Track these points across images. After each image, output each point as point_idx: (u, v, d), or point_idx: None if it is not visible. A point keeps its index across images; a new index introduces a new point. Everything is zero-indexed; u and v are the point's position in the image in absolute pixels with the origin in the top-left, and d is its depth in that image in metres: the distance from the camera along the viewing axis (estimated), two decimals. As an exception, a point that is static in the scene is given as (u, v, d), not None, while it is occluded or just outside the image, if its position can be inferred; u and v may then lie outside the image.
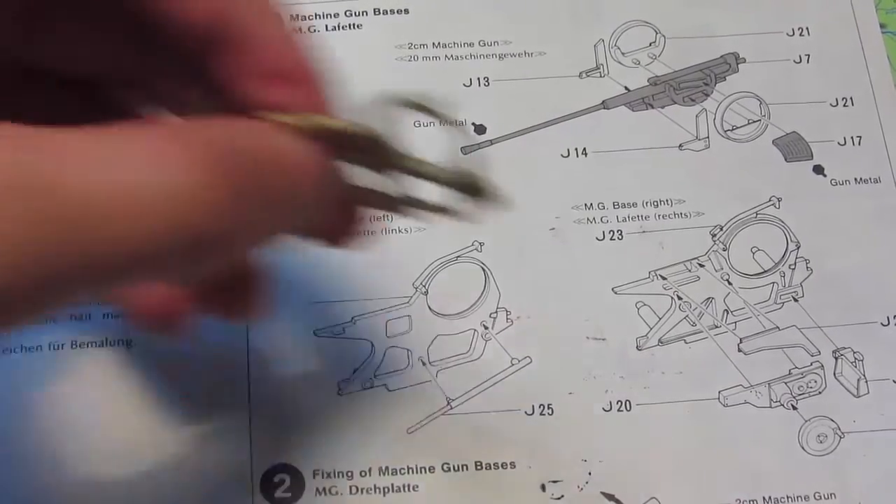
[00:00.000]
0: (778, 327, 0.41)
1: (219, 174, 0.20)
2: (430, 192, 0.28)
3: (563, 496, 0.38)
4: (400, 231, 0.41)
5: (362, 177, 0.27)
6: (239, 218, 0.21)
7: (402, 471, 0.38)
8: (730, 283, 0.42)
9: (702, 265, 0.42)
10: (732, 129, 0.44)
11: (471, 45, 0.45)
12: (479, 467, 0.38)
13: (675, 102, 0.44)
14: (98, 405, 0.38)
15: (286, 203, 0.24)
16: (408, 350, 0.40)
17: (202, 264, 0.21)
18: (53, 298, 0.18)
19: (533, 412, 0.39)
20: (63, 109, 0.28)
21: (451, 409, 0.39)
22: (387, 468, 0.38)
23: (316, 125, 0.25)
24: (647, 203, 0.43)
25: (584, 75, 0.45)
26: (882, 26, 0.46)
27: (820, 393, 0.40)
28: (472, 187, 0.28)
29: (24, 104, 0.27)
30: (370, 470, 0.38)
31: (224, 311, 0.30)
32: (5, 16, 0.26)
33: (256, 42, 0.25)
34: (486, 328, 0.40)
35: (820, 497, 0.38)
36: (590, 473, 0.38)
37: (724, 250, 0.42)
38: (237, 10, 0.25)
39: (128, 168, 0.19)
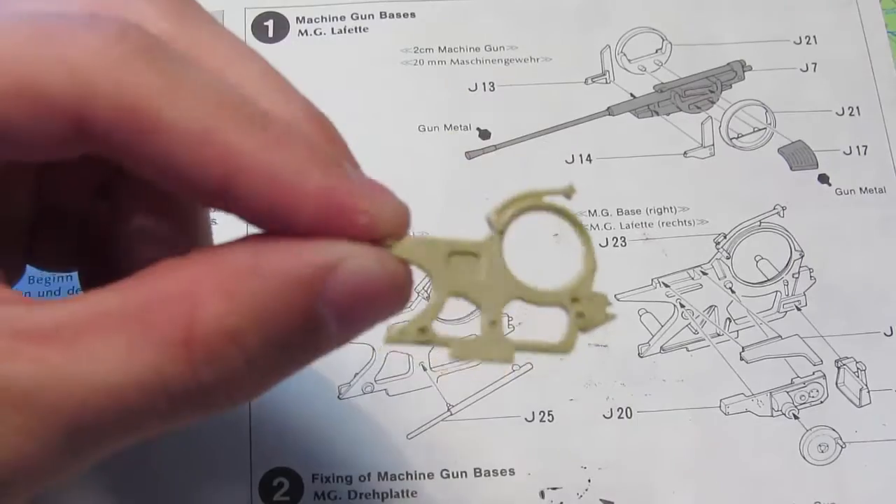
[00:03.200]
0: (780, 336, 0.41)
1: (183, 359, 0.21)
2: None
3: (562, 503, 0.38)
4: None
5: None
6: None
7: (402, 476, 0.38)
8: (733, 292, 0.41)
9: (705, 273, 0.42)
10: (738, 137, 0.44)
11: (477, 49, 0.45)
12: (478, 474, 0.38)
13: (681, 110, 0.44)
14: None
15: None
16: (408, 355, 0.40)
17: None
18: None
19: (533, 419, 0.39)
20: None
21: (452, 414, 0.39)
22: (386, 473, 0.38)
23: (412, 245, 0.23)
24: (650, 210, 0.42)
25: (589, 81, 0.45)
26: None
27: (822, 402, 0.40)
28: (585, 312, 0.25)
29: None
30: (369, 475, 0.38)
31: None
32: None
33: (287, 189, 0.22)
34: (487, 333, 0.40)
35: (820, 507, 0.38)
36: (589, 481, 0.38)
37: (728, 258, 0.42)
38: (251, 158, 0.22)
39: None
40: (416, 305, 0.24)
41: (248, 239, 0.23)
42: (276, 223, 0.22)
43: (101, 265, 0.28)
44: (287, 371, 0.24)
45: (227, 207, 0.22)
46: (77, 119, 0.21)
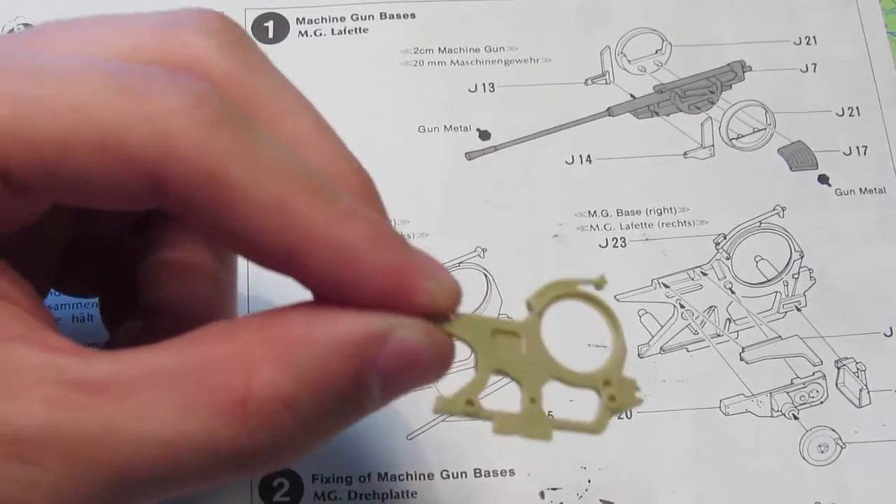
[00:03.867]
0: (780, 337, 0.41)
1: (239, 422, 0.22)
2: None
3: (562, 503, 0.38)
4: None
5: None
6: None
7: (402, 476, 0.38)
8: (732, 292, 0.41)
9: (705, 273, 0.42)
10: (738, 138, 0.44)
11: (476, 50, 0.45)
12: (478, 474, 0.38)
13: (681, 110, 0.44)
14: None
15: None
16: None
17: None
18: None
19: (533, 419, 0.39)
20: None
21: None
22: (386, 474, 0.38)
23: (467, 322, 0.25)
24: (650, 211, 0.43)
25: (589, 82, 0.45)
26: (882, 28, 0.46)
27: (822, 403, 0.40)
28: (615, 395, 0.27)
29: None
30: (369, 475, 0.38)
31: None
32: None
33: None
34: (487, 334, 0.40)
35: (820, 508, 0.39)
36: (589, 481, 0.38)
37: (728, 259, 0.42)
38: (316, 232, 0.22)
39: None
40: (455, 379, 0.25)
41: (298, 306, 0.23)
42: (337, 294, 0.22)
43: (122, 293, 0.29)
44: (332, 433, 0.24)
45: (289, 273, 0.22)
46: (154, 177, 0.21)
